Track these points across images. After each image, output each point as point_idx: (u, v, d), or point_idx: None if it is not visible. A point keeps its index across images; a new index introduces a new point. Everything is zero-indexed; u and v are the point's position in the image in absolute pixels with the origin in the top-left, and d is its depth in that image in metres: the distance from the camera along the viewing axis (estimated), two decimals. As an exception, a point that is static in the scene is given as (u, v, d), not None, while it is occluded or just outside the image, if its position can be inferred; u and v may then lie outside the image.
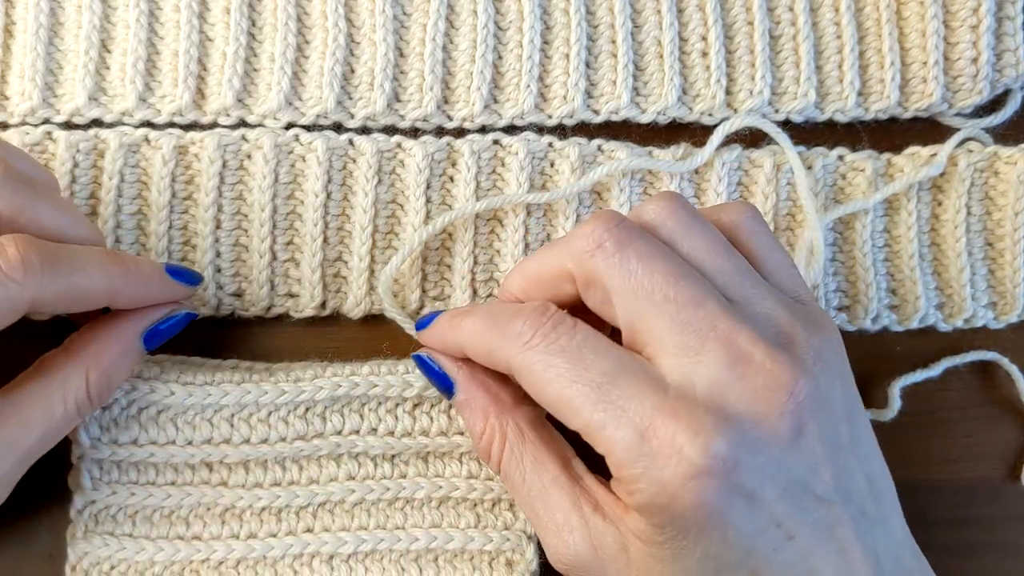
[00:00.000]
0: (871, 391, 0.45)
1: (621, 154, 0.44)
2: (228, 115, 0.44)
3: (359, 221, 0.43)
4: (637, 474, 0.31)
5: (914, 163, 0.46)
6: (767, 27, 0.46)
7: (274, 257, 0.43)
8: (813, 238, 0.43)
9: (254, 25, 0.45)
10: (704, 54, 0.46)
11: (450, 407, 0.40)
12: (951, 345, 0.45)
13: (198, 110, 0.44)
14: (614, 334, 0.34)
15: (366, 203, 0.43)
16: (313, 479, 0.40)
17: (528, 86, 0.45)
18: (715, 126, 0.45)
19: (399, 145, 0.44)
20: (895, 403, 0.44)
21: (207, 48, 0.45)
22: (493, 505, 0.40)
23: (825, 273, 0.45)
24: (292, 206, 0.44)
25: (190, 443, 0.39)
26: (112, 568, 0.38)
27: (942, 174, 0.46)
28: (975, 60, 0.46)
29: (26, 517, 0.37)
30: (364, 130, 0.45)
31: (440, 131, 0.45)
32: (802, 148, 0.46)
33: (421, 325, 0.39)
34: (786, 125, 0.46)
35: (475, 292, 0.44)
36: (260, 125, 0.44)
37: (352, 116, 0.45)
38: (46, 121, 0.44)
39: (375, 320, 0.44)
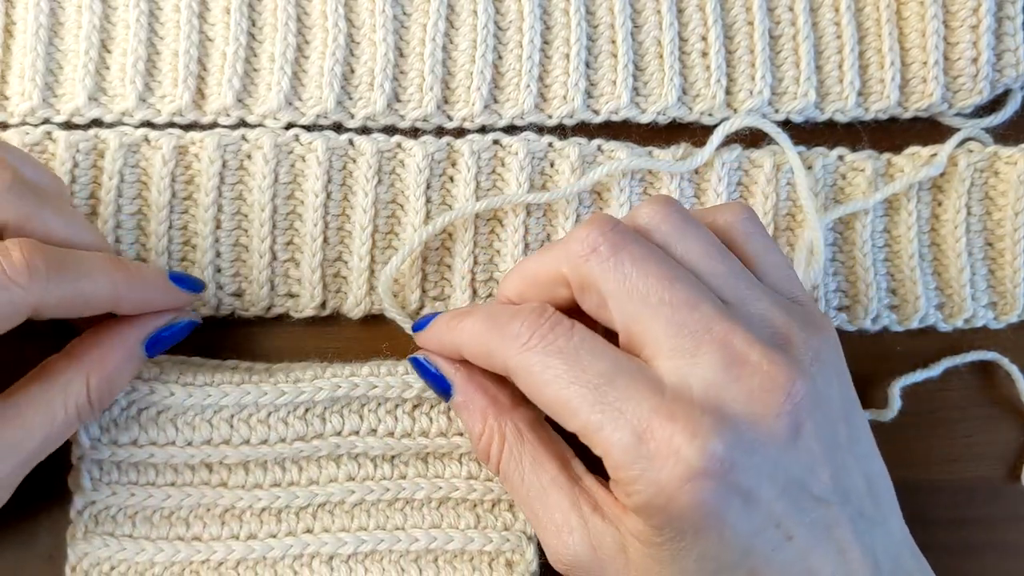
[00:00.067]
0: (871, 391, 0.45)
1: (621, 154, 0.44)
2: (228, 115, 0.44)
3: (359, 221, 0.43)
4: (635, 475, 0.31)
5: (914, 163, 0.46)
6: (767, 27, 0.46)
7: (274, 257, 0.43)
8: (813, 238, 0.43)
9: (254, 25, 0.45)
10: (704, 54, 0.46)
11: (449, 408, 0.40)
12: (951, 345, 0.45)
13: (198, 110, 0.44)
14: (610, 337, 0.34)
15: (366, 203, 0.43)
16: (313, 480, 0.40)
17: (528, 86, 0.45)
18: (715, 126, 0.45)
19: (399, 145, 0.44)
20: (895, 403, 0.44)
21: (207, 48, 0.45)
22: (493, 506, 0.40)
23: (825, 273, 0.45)
24: (292, 206, 0.44)
25: (190, 444, 0.39)
26: (112, 569, 0.38)
27: (942, 174, 0.46)
28: (975, 60, 0.46)
29: (26, 518, 0.37)
30: (364, 130, 0.45)
31: (440, 131, 0.45)
32: (802, 148, 0.46)
33: (418, 327, 0.39)
34: (786, 125, 0.46)
35: (475, 292, 0.44)
36: (260, 125, 0.44)
37: (352, 116, 0.45)
38: (46, 121, 0.44)
39: (375, 320, 0.44)
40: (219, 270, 0.43)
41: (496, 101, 0.45)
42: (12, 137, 0.42)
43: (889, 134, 0.47)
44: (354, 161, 0.44)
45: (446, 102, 0.45)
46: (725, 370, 0.31)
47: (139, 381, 0.38)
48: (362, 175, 0.44)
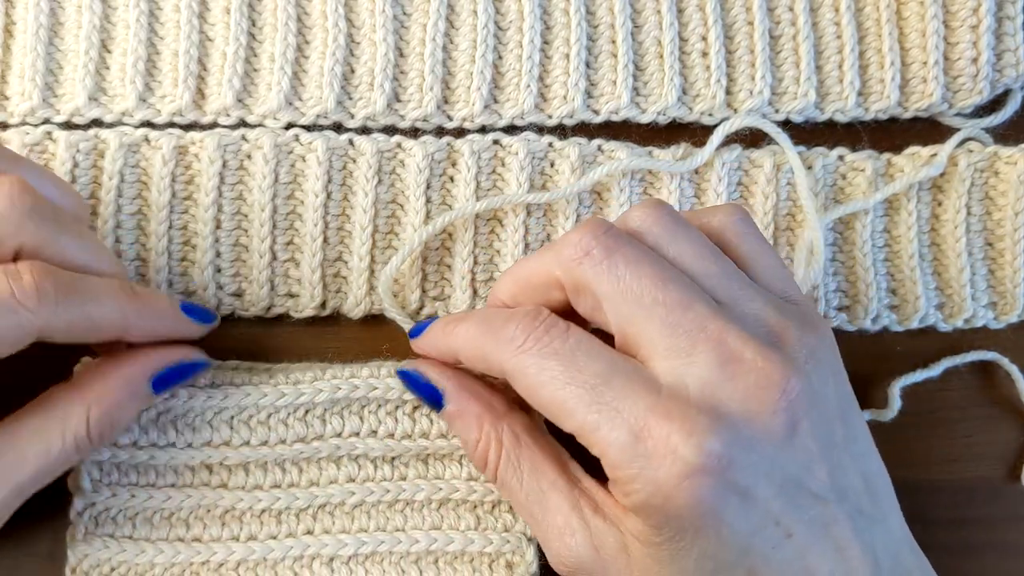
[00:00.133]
0: (871, 391, 0.45)
1: (621, 154, 0.44)
2: (228, 115, 0.44)
3: (359, 221, 0.43)
4: (632, 475, 0.31)
5: (914, 163, 0.46)
6: (767, 27, 0.46)
7: (274, 257, 0.43)
8: (813, 238, 0.43)
9: (254, 25, 0.45)
10: (704, 54, 0.46)
11: None
12: (951, 345, 0.45)
13: (198, 110, 0.44)
14: (605, 340, 0.34)
15: (366, 203, 0.43)
16: (313, 481, 0.40)
17: (528, 86, 0.45)
18: (715, 126, 0.45)
19: (399, 145, 0.44)
20: (895, 403, 0.44)
21: (207, 48, 0.45)
22: (493, 507, 0.40)
23: (825, 273, 0.45)
24: (292, 206, 0.44)
25: (190, 445, 0.39)
26: (112, 570, 0.38)
27: (942, 174, 0.46)
28: (975, 60, 0.46)
29: (26, 519, 0.36)
30: (364, 130, 0.45)
31: (440, 131, 0.45)
32: (802, 148, 0.46)
33: (414, 333, 0.39)
34: (786, 125, 0.46)
35: (475, 292, 0.44)
36: (260, 125, 0.44)
37: (352, 116, 0.45)
38: (46, 121, 0.44)
39: (375, 320, 0.44)
40: (219, 270, 0.43)
41: (496, 101, 0.45)
42: (12, 137, 0.42)
43: (889, 134, 0.47)
44: (354, 161, 0.44)
45: (446, 102, 0.45)
46: (720, 368, 0.31)
47: None
48: (362, 175, 0.44)
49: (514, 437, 0.36)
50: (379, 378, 0.39)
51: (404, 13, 0.45)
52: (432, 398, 0.38)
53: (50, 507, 0.39)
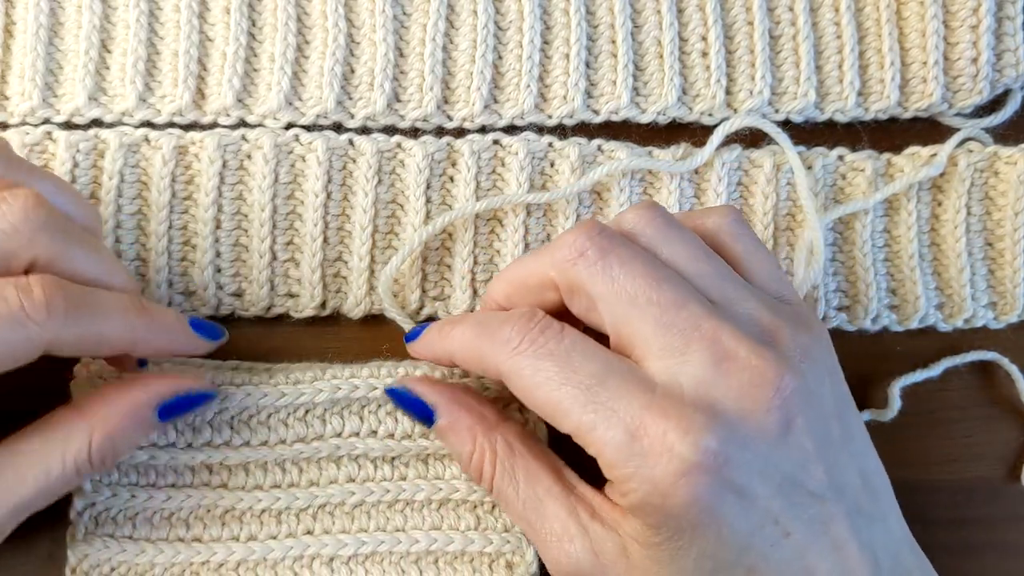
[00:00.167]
0: (871, 391, 0.45)
1: (621, 154, 0.44)
2: (228, 115, 0.44)
3: (359, 221, 0.43)
4: (629, 473, 0.31)
5: (914, 163, 0.46)
6: (767, 27, 0.46)
7: (274, 257, 0.43)
8: (813, 238, 0.43)
9: (254, 25, 0.45)
10: (704, 54, 0.46)
11: None
12: (951, 345, 0.45)
13: (198, 110, 0.44)
14: (600, 340, 0.34)
15: (366, 203, 0.43)
16: (313, 481, 0.40)
17: (528, 86, 0.45)
18: (715, 126, 0.45)
19: (399, 145, 0.44)
20: (895, 403, 0.44)
21: (207, 48, 0.45)
22: (493, 507, 0.40)
23: (825, 273, 0.45)
24: (292, 206, 0.44)
25: (190, 445, 0.39)
26: (112, 570, 0.38)
27: (942, 174, 0.46)
28: (975, 60, 0.46)
29: (26, 519, 0.36)
30: (364, 130, 0.45)
31: (440, 131, 0.45)
32: (802, 148, 0.46)
33: (410, 337, 0.39)
34: (786, 125, 0.46)
35: (475, 292, 0.44)
36: (260, 125, 0.44)
37: (352, 116, 0.45)
38: (46, 121, 0.44)
39: (375, 320, 0.44)
40: (219, 270, 0.43)
41: (496, 101, 0.45)
42: (12, 137, 0.42)
43: (889, 134, 0.47)
44: (354, 161, 0.44)
45: (446, 102, 0.45)
46: (714, 367, 0.32)
47: None
48: (362, 175, 0.44)
49: (508, 447, 0.36)
50: (379, 378, 0.39)
51: (404, 13, 0.45)
52: (423, 414, 0.38)
53: (50, 507, 0.39)
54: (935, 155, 0.46)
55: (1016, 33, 0.46)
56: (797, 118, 0.46)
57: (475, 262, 0.44)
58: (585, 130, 0.46)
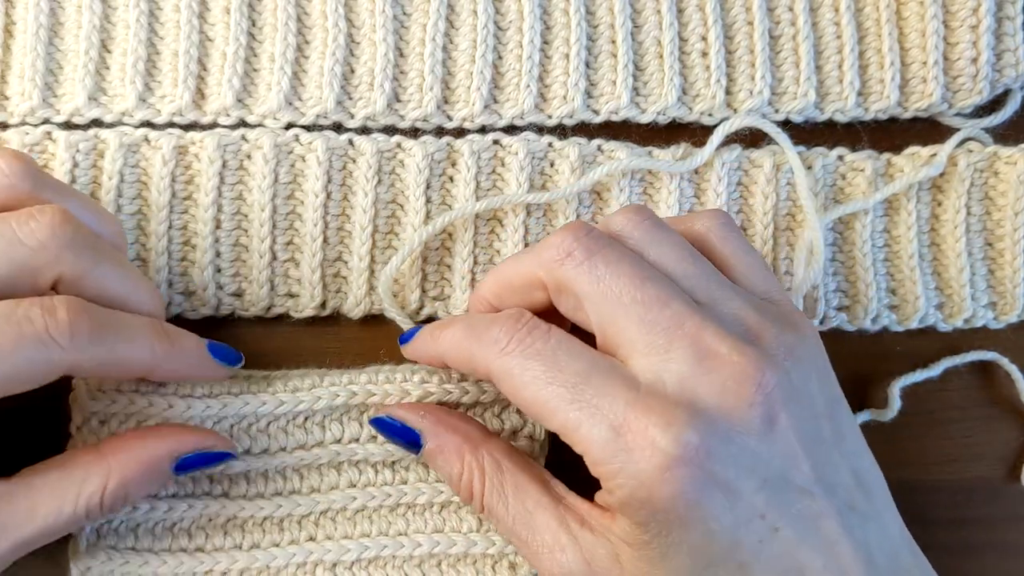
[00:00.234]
0: (871, 391, 0.45)
1: (621, 154, 0.44)
2: (228, 115, 0.44)
3: (359, 221, 0.43)
4: (615, 470, 0.32)
5: (914, 163, 0.46)
6: (767, 27, 0.46)
7: (274, 257, 0.43)
8: (813, 238, 0.43)
9: (254, 25, 0.45)
10: (704, 54, 0.46)
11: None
12: (951, 345, 0.45)
13: (198, 110, 0.44)
14: (588, 340, 0.35)
15: (366, 203, 0.43)
16: (314, 488, 0.40)
17: (528, 86, 0.45)
18: (715, 126, 0.45)
19: (399, 145, 0.44)
20: (895, 403, 0.44)
21: (207, 48, 0.45)
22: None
23: (825, 273, 0.45)
24: (292, 206, 0.44)
25: None
26: None
27: (942, 174, 0.46)
28: (975, 60, 0.46)
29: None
30: (364, 130, 0.45)
31: (440, 131, 0.45)
32: (802, 148, 0.46)
33: (404, 340, 0.40)
34: (786, 125, 0.46)
35: (475, 292, 0.44)
36: (260, 125, 0.44)
37: (352, 116, 0.45)
38: (46, 121, 0.43)
39: (375, 320, 0.44)
40: (219, 270, 0.43)
41: (496, 101, 0.45)
42: (12, 137, 0.42)
43: (889, 134, 0.47)
44: (354, 161, 0.44)
45: (446, 102, 0.45)
46: (696, 364, 0.32)
47: (137, 395, 0.38)
48: (362, 175, 0.44)
49: (495, 463, 0.37)
50: (377, 384, 0.39)
51: (404, 13, 0.45)
52: (409, 439, 0.38)
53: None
54: (935, 155, 0.46)
55: (1016, 33, 0.46)
56: (797, 118, 0.46)
57: (475, 262, 0.44)
58: (585, 130, 0.46)
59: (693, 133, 0.46)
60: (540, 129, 0.45)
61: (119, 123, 0.44)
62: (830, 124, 0.47)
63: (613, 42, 0.46)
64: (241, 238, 0.43)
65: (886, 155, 0.46)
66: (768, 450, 0.32)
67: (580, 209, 0.44)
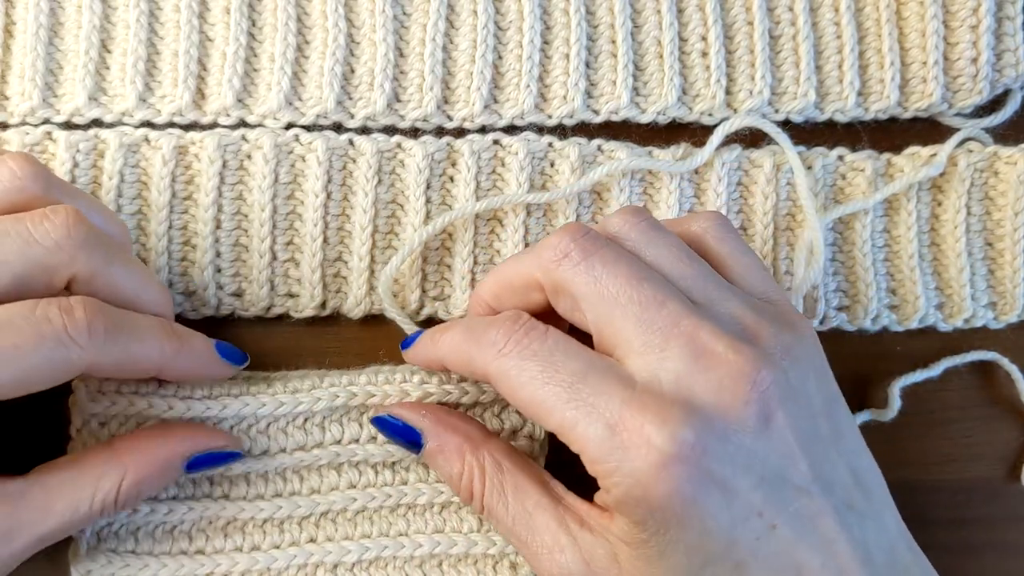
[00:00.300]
0: (871, 391, 0.45)
1: (621, 154, 0.44)
2: (228, 115, 0.44)
3: (359, 221, 0.43)
4: (611, 468, 0.32)
5: (914, 163, 0.46)
6: (767, 27, 0.46)
7: (274, 257, 0.43)
8: (813, 238, 0.43)
9: (254, 25, 0.45)
10: (704, 54, 0.46)
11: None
12: (951, 345, 0.45)
13: (198, 110, 0.44)
14: (586, 341, 0.35)
15: (366, 203, 0.43)
16: (314, 489, 0.40)
17: (528, 86, 0.45)
18: (715, 126, 0.45)
19: (399, 145, 0.44)
20: (895, 403, 0.44)
21: (207, 48, 0.45)
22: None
23: (825, 273, 0.45)
24: (292, 206, 0.44)
25: None
26: None
27: (942, 174, 0.46)
28: (975, 60, 0.46)
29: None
30: (364, 130, 0.45)
31: (440, 131, 0.45)
32: (802, 148, 0.46)
33: (405, 345, 0.40)
34: (786, 125, 0.46)
35: (475, 292, 0.44)
36: (260, 125, 0.44)
37: (352, 116, 0.45)
38: (46, 121, 0.43)
39: (375, 320, 0.44)
40: (219, 270, 0.43)
41: (496, 101, 0.45)
42: (12, 137, 0.42)
43: (889, 134, 0.47)
44: (354, 161, 0.44)
45: (446, 102, 0.45)
46: (692, 362, 0.32)
47: (137, 396, 0.38)
48: (362, 175, 0.44)
49: (495, 463, 0.37)
50: (377, 385, 0.39)
51: (404, 13, 0.45)
52: (410, 439, 0.38)
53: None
54: (935, 155, 0.46)
55: (1016, 33, 0.46)
56: (797, 118, 0.46)
57: (475, 262, 0.44)
58: (585, 130, 0.46)
59: (693, 133, 0.46)
60: (540, 129, 0.45)
61: (119, 123, 0.44)
62: (830, 124, 0.47)
63: (613, 42, 0.46)
64: (241, 238, 0.43)
65: (886, 155, 0.46)
66: (764, 448, 0.32)
67: (580, 209, 0.44)
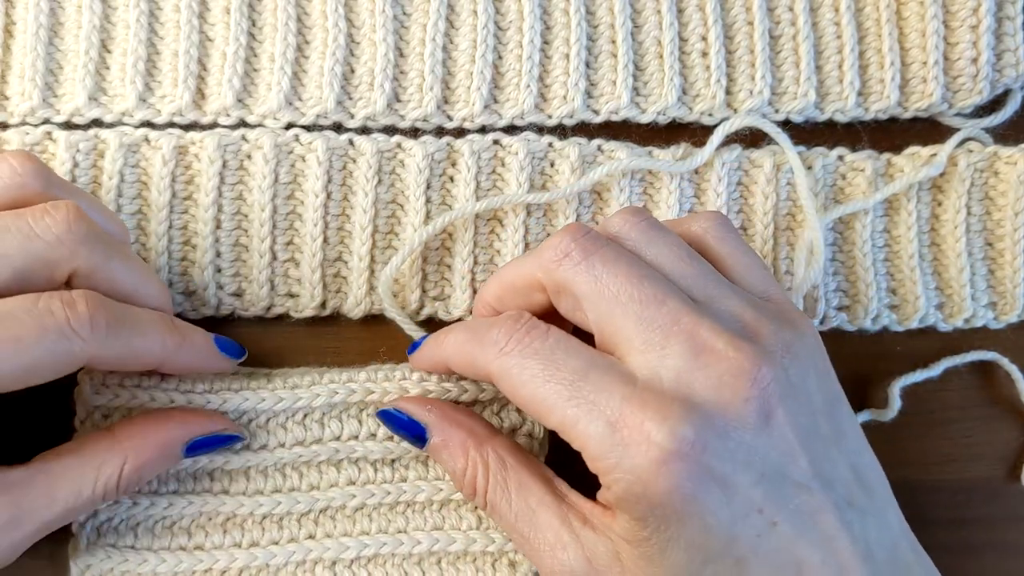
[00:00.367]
0: (871, 391, 0.45)
1: (621, 154, 0.44)
2: (228, 115, 0.44)
3: (359, 221, 0.43)
4: (612, 465, 0.32)
5: (914, 163, 0.46)
6: (767, 27, 0.46)
7: (274, 257, 0.43)
8: (813, 238, 0.43)
9: (254, 25, 0.45)
10: (704, 54, 0.46)
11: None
12: (951, 345, 0.45)
13: (198, 110, 0.44)
14: (588, 340, 0.35)
15: (366, 203, 0.43)
16: (313, 485, 0.40)
17: (528, 86, 0.45)
18: (715, 126, 0.45)
19: (399, 145, 0.44)
20: (895, 403, 0.44)
21: (207, 48, 0.45)
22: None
23: (825, 273, 0.45)
24: (292, 206, 0.44)
25: None
26: None
27: (942, 174, 0.46)
28: (975, 60, 0.46)
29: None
30: (364, 130, 0.45)
31: (440, 131, 0.45)
32: (802, 148, 0.46)
33: (411, 350, 0.40)
34: (786, 125, 0.46)
35: (475, 292, 0.44)
36: (260, 125, 0.44)
37: (352, 116, 0.45)
38: (46, 121, 0.43)
39: (375, 320, 0.44)
40: (219, 270, 0.43)
41: (496, 101, 0.45)
42: (12, 137, 0.42)
43: (889, 134, 0.47)
44: (354, 161, 0.44)
45: (446, 102, 0.45)
46: (692, 359, 0.32)
47: (139, 390, 0.38)
48: (362, 175, 0.44)
49: (499, 460, 0.37)
50: (376, 382, 0.39)
51: (404, 13, 0.45)
52: (415, 433, 0.38)
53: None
54: (935, 155, 0.46)
55: (1016, 33, 0.46)
56: (797, 118, 0.46)
57: (475, 262, 0.44)
58: (585, 130, 0.46)
59: (693, 133, 0.46)
60: (540, 129, 0.45)
61: (119, 123, 0.44)
62: (830, 124, 0.47)
63: (613, 42, 0.46)
64: (241, 238, 0.43)
65: (886, 155, 0.46)
66: (764, 445, 0.32)
67: (580, 209, 0.44)
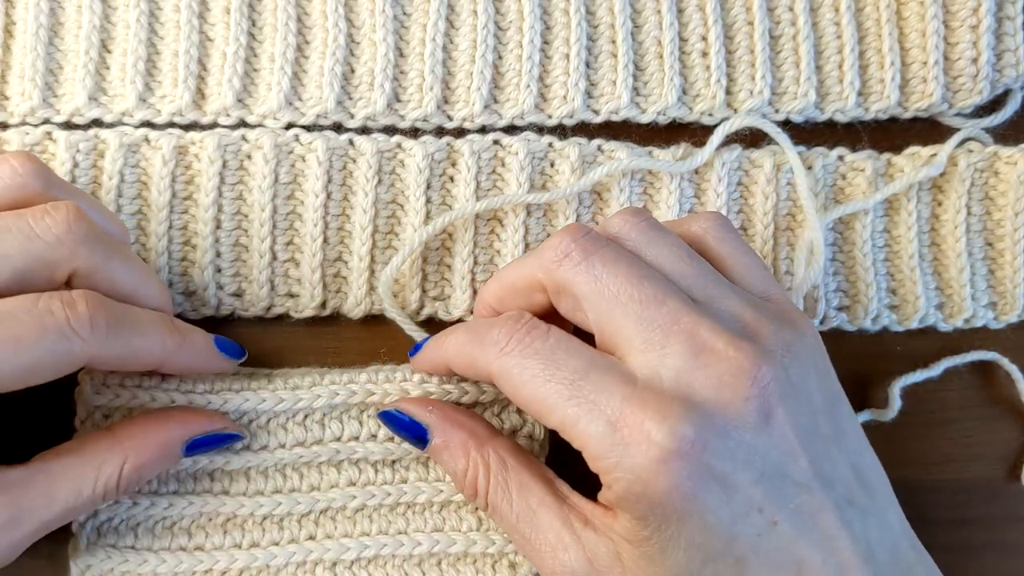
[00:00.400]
0: (871, 391, 0.45)
1: (621, 154, 0.44)
2: (228, 115, 0.44)
3: (359, 221, 0.43)
4: (612, 464, 0.32)
5: (914, 163, 0.46)
6: (767, 27, 0.46)
7: (274, 257, 0.43)
8: (813, 238, 0.43)
9: (254, 25, 0.45)
10: (704, 54, 0.46)
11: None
12: (951, 345, 0.45)
13: (198, 110, 0.44)
14: (589, 341, 0.35)
15: (366, 203, 0.43)
16: (314, 486, 0.40)
17: (528, 86, 0.45)
18: (715, 126, 0.45)
19: (399, 145, 0.44)
20: (895, 403, 0.44)
21: (207, 48, 0.45)
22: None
23: (825, 273, 0.45)
24: (292, 206, 0.44)
25: None
26: None
27: (942, 174, 0.46)
28: (975, 60, 0.46)
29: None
30: (364, 130, 0.45)
31: (440, 131, 0.45)
32: (802, 148, 0.46)
33: (413, 352, 0.40)
34: (786, 125, 0.46)
35: (475, 292, 0.44)
36: (260, 125, 0.44)
37: (352, 116, 0.45)
38: (46, 121, 0.43)
39: (375, 320, 0.44)
40: (219, 270, 0.43)
41: (496, 101, 0.45)
42: (12, 137, 0.42)
43: (889, 134, 0.47)
44: (354, 161, 0.44)
45: (446, 102, 0.45)
46: (693, 359, 0.32)
47: (140, 390, 0.38)
48: (362, 175, 0.44)
49: (500, 461, 0.37)
50: (377, 383, 0.39)
51: (404, 13, 0.45)
52: (416, 434, 0.38)
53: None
54: (935, 155, 0.46)
55: (1016, 33, 0.46)
56: (797, 118, 0.46)
57: (475, 262, 0.44)
58: (585, 130, 0.46)
59: (693, 133, 0.46)
60: (540, 129, 0.45)
61: (119, 123, 0.44)
62: (830, 124, 0.47)
63: (613, 42, 0.46)
64: (241, 238, 0.43)
65: (886, 155, 0.46)
66: (765, 444, 0.32)
67: (580, 209, 0.44)
